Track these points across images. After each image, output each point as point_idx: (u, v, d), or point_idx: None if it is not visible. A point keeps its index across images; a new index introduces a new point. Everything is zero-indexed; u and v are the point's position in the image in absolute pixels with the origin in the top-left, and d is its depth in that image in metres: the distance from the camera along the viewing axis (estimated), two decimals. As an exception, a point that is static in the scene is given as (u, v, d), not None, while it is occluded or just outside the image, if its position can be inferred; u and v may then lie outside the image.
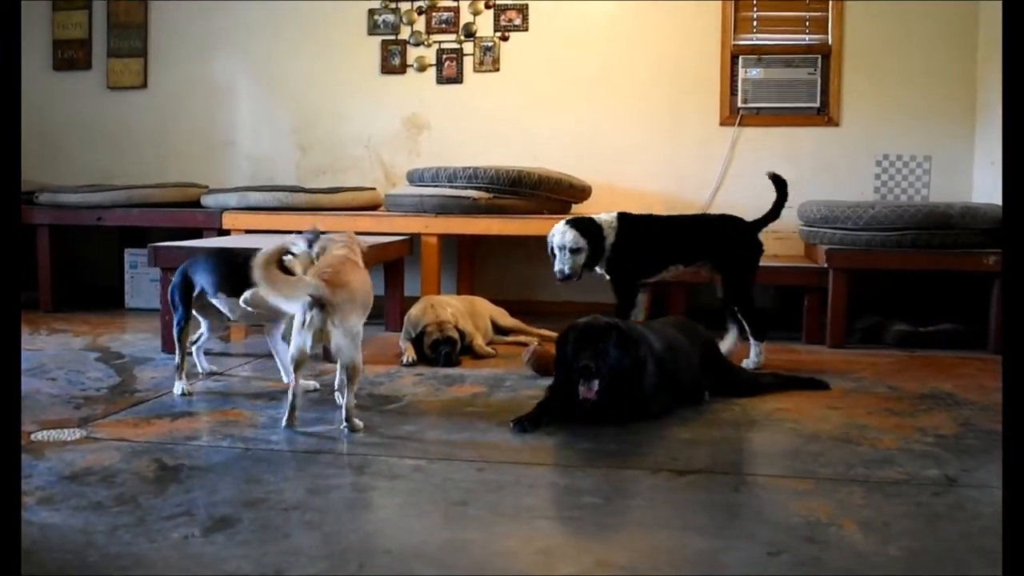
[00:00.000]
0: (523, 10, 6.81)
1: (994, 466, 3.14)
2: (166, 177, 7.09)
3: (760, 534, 2.53)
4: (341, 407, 3.56)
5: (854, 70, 6.45)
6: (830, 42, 6.45)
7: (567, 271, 4.68)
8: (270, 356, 4.31)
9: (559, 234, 4.71)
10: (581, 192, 6.27)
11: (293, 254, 3.78)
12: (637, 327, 3.80)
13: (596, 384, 3.53)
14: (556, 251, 4.72)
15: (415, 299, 5.25)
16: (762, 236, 6.45)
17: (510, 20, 6.83)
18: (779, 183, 5.00)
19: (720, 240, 4.88)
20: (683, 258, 4.92)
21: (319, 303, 3.38)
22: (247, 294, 3.87)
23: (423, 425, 3.65)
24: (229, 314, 4.19)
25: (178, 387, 4.07)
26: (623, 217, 4.83)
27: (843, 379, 4.51)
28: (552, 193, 6.08)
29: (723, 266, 4.85)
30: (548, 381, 4.08)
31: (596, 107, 6.74)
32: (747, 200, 6.51)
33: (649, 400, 3.67)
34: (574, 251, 4.66)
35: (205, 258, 4.24)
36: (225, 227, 6.25)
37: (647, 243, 4.84)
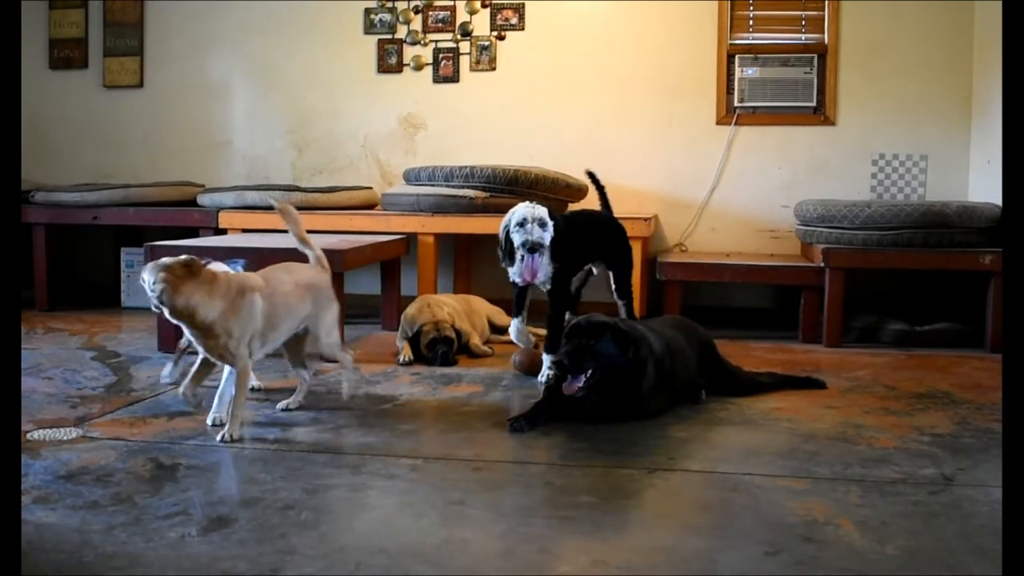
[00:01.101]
0: (519, 9, 6.80)
1: (991, 465, 3.15)
2: (162, 176, 7.08)
3: (757, 533, 2.53)
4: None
5: (850, 69, 6.45)
6: (826, 41, 6.45)
7: (535, 239, 4.19)
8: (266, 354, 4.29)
9: (524, 208, 4.28)
10: (577, 191, 6.27)
11: None
12: (637, 326, 3.80)
13: (581, 380, 3.53)
14: (516, 228, 4.26)
15: (412, 298, 5.24)
16: (759, 235, 6.56)
17: (506, 19, 6.83)
18: (595, 181, 4.90)
19: (614, 238, 4.76)
20: (597, 257, 4.73)
21: None
22: None
23: (420, 424, 3.65)
24: None
25: (166, 371, 4.08)
26: (560, 215, 4.54)
27: (840, 378, 4.52)
28: (548, 192, 6.08)
29: (615, 264, 4.73)
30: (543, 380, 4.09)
31: (592, 106, 6.74)
32: (743, 199, 6.56)
33: (646, 400, 3.67)
34: (543, 225, 4.25)
35: None
36: (221, 226, 6.25)
37: (581, 241, 4.57)
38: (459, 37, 6.89)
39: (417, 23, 6.95)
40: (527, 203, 4.35)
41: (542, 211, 4.27)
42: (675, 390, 3.84)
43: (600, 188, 4.90)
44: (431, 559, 2.33)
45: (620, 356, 3.58)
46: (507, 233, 4.33)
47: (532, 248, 4.24)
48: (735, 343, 5.28)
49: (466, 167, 6.07)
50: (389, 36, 6.99)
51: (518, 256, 4.31)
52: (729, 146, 6.58)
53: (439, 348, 4.77)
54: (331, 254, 4.86)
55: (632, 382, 3.61)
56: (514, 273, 4.42)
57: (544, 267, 4.34)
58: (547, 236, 4.26)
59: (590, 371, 3.55)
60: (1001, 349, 5.23)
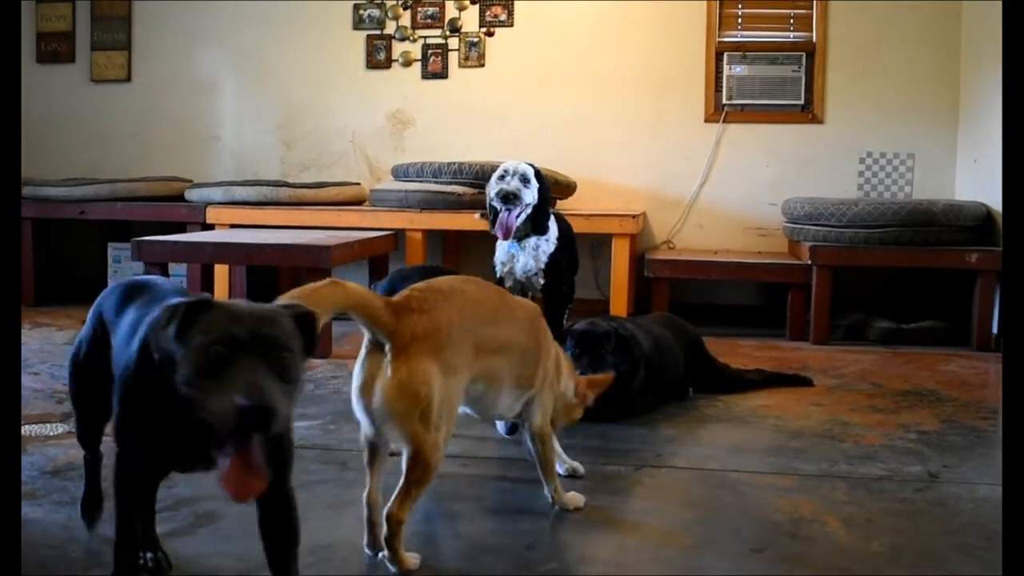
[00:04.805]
0: (508, 6, 6.80)
1: (975, 462, 3.17)
2: (150, 171, 7.06)
3: (744, 531, 2.54)
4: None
5: (838, 68, 6.46)
6: (814, 39, 6.46)
7: (510, 189, 3.90)
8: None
9: (508, 163, 4.04)
10: (566, 188, 6.27)
11: None
12: (629, 327, 3.79)
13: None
14: (496, 181, 4.00)
15: (400, 294, 5.23)
16: (746, 232, 6.57)
17: (495, 15, 6.82)
18: None
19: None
20: None
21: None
22: None
23: (407, 421, 3.64)
24: None
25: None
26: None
27: (826, 376, 4.53)
28: (537, 189, 6.07)
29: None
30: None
31: (581, 103, 6.74)
32: (731, 196, 6.57)
33: (635, 398, 3.67)
34: (525, 180, 3.97)
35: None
36: (209, 221, 6.23)
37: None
38: (448, 33, 6.88)
39: (406, 19, 6.93)
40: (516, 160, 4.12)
41: (526, 167, 4.02)
42: (663, 388, 3.85)
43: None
44: (418, 555, 2.33)
45: (622, 364, 3.57)
46: (490, 193, 4.07)
47: (505, 198, 3.92)
48: (722, 340, 5.29)
49: (454, 163, 6.06)
50: (378, 32, 6.98)
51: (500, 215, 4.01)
52: (717, 144, 6.59)
53: (427, 344, 4.75)
54: (318, 250, 4.88)
55: (622, 381, 3.60)
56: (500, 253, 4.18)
57: (529, 237, 4.04)
58: (527, 193, 3.97)
59: None
60: (986, 347, 5.26)
